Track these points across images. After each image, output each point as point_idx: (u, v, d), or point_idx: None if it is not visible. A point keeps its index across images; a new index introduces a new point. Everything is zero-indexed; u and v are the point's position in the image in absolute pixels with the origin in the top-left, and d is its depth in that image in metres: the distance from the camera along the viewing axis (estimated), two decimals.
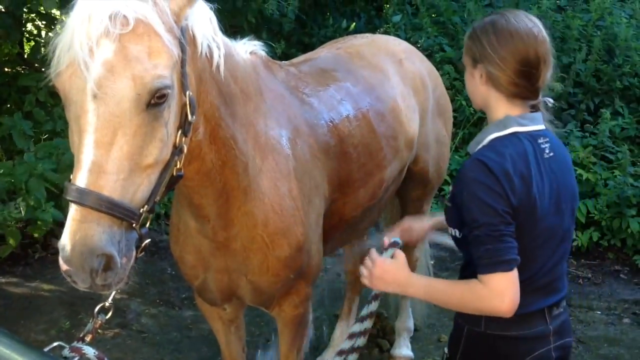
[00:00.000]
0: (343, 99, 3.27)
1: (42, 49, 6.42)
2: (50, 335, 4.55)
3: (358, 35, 4.20)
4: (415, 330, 4.70)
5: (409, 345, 4.52)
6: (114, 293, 2.06)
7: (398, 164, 3.53)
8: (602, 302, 5.56)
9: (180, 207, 2.79)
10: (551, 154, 2.25)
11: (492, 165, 2.11)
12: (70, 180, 1.91)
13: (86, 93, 1.86)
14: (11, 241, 5.18)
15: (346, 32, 8.02)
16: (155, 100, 1.92)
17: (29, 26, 7.62)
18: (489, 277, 2.09)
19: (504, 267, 2.08)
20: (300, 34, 8.21)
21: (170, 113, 2.01)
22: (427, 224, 2.92)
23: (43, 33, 7.15)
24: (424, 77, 3.89)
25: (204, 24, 2.28)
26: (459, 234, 2.26)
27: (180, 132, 2.07)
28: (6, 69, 7.69)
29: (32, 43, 7.46)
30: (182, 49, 2.08)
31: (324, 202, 3.06)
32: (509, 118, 2.23)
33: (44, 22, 7.05)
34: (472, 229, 2.12)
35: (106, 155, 1.85)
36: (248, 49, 2.81)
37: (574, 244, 5.93)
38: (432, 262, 4.81)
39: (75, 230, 1.81)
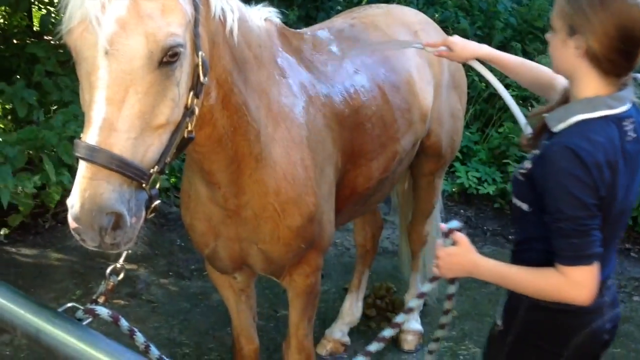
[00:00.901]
0: (358, 70, 3.23)
1: (52, 17, 6.44)
2: (60, 304, 4.47)
3: (373, 5, 4.14)
4: (425, 304, 4.70)
5: (419, 319, 4.53)
6: (124, 255, 2.05)
7: (412, 136, 3.50)
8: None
9: (192, 174, 2.78)
10: (634, 135, 2.14)
11: (584, 156, 1.99)
12: (80, 138, 1.89)
13: (97, 49, 1.84)
14: (22, 209, 5.19)
15: (359, 4, 7.94)
16: (167, 58, 1.89)
17: None
18: (571, 269, 2.05)
19: (587, 260, 2.04)
20: (311, 8, 8.13)
21: (182, 73, 1.99)
22: (473, 46, 2.92)
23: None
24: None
25: None
26: (528, 208, 2.20)
27: (192, 93, 2.05)
28: (15, 41, 7.69)
29: (43, 12, 7.42)
30: (196, 9, 2.05)
31: (337, 172, 3.04)
32: (599, 99, 2.09)
33: None
34: (556, 219, 2.05)
35: (117, 113, 1.83)
36: (263, 16, 2.77)
37: None
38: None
39: (85, 188, 1.79)
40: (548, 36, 2.23)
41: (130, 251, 2.03)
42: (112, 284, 2.03)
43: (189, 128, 2.08)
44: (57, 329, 1.56)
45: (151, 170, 1.92)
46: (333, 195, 3.03)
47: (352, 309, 4.42)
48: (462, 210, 6.62)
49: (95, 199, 1.78)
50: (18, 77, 6.10)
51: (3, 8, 7.70)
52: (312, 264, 3.03)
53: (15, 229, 5.34)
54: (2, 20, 8.38)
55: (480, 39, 7.66)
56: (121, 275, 2.05)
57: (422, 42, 3.15)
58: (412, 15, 3.99)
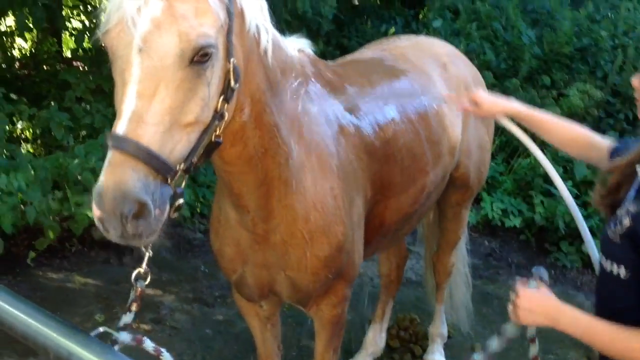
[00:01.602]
0: (388, 101, 3.25)
1: (84, 41, 6.54)
2: (85, 328, 4.55)
3: (402, 36, 4.18)
4: (449, 337, 4.67)
5: (442, 351, 4.50)
6: (146, 258, 2.06)
7: (441, 169, 3.50)
8: None
9: (222, 199, 2.80)
10: None
11: None
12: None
13: (132, 47, 1.89)
14: (50, 234, 5.25)
15: (384, 35, 8.00)
16: (198, 57, 1.93)
17: (72, 22, 7.75)
18: None
19: None
20: (339, 36, 8.22)
21: (213, 75, 2.02)
22: (502, 103, 2.83)
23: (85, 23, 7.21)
24: (468, 81, 3.86)
25: (252, 2, 2.30)
26: (626, 274, 2.01)
27: (222, 97, 2.08)
28: (45, 67, 7.84)
29: (72, 38, 7.56)
30: (230, 17, 2.10)
31: (366, 203, 3.04)
32: None
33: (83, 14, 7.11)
34: None
35: (147, 106, 1.86)
36: (296, 46, 2.81)
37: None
38: (468, 270, 4.77)
39: (110, 175, 1.81)
40: (635, 81, 2.16)
41: (151, 254, 2.05)
42: (139, 290, 2.04)
43: (218, 132, 2.11)
44: (89, 352, 1.58)
45: (177, 167, 1.94)
46: (362, 226, 3.03)
47: (375, 340, 4.39)
48: (486, 242, 6.59)
49: (119, 186, 1.79)
50: (51, 103, 6.18)
51: (34, 33, 7.88)
52: (339, 294, 3.03)
53: (42, 252, 5.39)
54: (32, 46, 8.58)
55: (506, 71, 7.68)
56: (147, 280, 2.06)
57: (450, 97, 3.13)
58: (441, 47, 4.01)
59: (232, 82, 2.10)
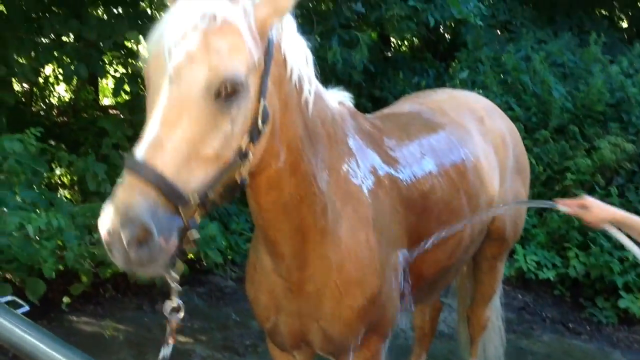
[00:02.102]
0: (426, 154, 3.27)
1: (122, 88, 6.69)
2: None
3: (438, 90, 4.23)
4: None
5: None
6: (175, 290, 2.02)
7: (478, 224, 3.50)
8: None
9: (258, 245, 2.82)
10: None
11: None
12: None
13: (164, 77, 1.94)
14: (84, 279, 5.30)
15: (416, 87, 8.08)
16: (225, 92, 1.96)
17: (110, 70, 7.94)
18: None
19: None
20: (370, 87, 8.30)
21: (239, 113, 2.03)
22: (610, 210, 2.90)
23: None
24: (505, 134, 3.88)
25: (297, 52, 2.34)
26: None
27: (247, 137, 2.09)
28: (83, 114, 8.02)
29: (110, 87, 7.73)
30: (267, 58, 2.14)
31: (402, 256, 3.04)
32: None
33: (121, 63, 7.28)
34: None
35: (167, 133, 1.89)
36: (337, 98, 2.86)
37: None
38: (502, 324, 4.71)
39: (119, 196, 1.82)
40: None
41: (179, 288, 2.03)
42: (174, 322, 2.02)
43: (243, 173, 2.12)
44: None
45: (191, 198, 1.93)
46: (398, 279, 3.02)
47: None
48: (519, 295, 6.51)
49: (126, 208, 1.80)
50: (89, 150, 6.30)
51: (74, 82, 8.07)
52: (372, 348, 2.99)
53: (76, 297, 5.44)
54: (71, 95, 8.79)
55: (536, 125, 7.67)
56: (181, 313, 2.03)
57: (560, 202, 3.14)
58: (476, 101, 4.05)
59: (260, 124, 2.12)
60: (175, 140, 1.89)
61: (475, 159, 3.52)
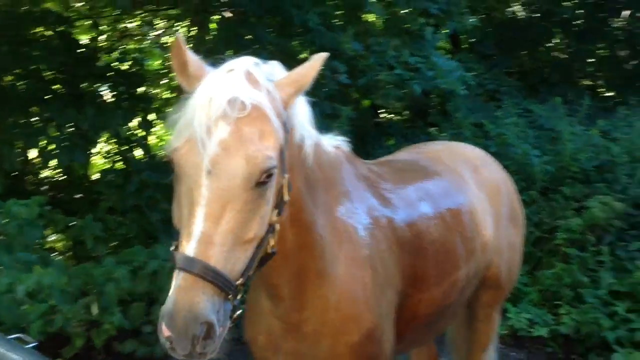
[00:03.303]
0: (422, 198, 3.37)
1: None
2: None
3: (435, 141, 4.39)
4: None
5: None
6: None
7: (473, 266, 3.57)
8: None
9: (257, 288, 2.88)
10: None
11: None
12: (176, 249, 2.05)
13: (202, 169, 2.02)
14: (77, 342, 5.27)
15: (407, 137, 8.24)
16: (263, 179, 2.07)
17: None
18: None
19: None
20: (362, 153, 8.44)
21: (272, 192, 2.16)
22: None
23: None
24: (499, 184, 4.01)
25: (303, 114, 2.46)
26: None
27: (276, 211, 2.21)
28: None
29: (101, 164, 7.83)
30: (286, 135, 2.25)
31: (397, 294, 3.09)
32: None
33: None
34: None
35: (215, 228, 1.99)
36: (333, 143, 2.98)
37: None
38: None
39: (182, 297, 1.92)
40: None
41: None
42: None
43: (272, 244, 2.23)
44: None
45: (237, 282, 2.05)
46: (392, 316, 3.07)
47: None
48: (513, 353, 6.49)
49: (192, 308, 1.90)
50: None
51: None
52: None
53: None
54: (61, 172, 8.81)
55: (523, 188, 7.79)
56: None
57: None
58: (472, 152, 4.21)
59: (286, 196, 2.25)
60: (222, 232, 2.00)
61: (470, 204, 3.63)
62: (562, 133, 8.04)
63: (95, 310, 5.15)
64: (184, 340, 1.91)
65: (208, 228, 1.98)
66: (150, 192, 6.52)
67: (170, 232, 6.12)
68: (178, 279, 1.96)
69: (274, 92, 2.22)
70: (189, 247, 1.97)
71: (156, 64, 9.85)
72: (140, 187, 6.52)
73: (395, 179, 3.37)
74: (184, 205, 2.09)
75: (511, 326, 6.57)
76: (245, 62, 2.25)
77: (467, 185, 3.73)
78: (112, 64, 7.84)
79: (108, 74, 7.19)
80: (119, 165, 7.11)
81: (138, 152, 7.38)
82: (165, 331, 1.94)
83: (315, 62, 2.34)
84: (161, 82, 9.68)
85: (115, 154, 7.21)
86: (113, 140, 7.28)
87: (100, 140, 7.39)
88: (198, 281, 1.93)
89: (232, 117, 2.07)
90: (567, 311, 6.47)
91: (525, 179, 7.63)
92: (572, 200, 7.38)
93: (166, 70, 9.63)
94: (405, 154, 3.96)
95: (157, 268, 5.61)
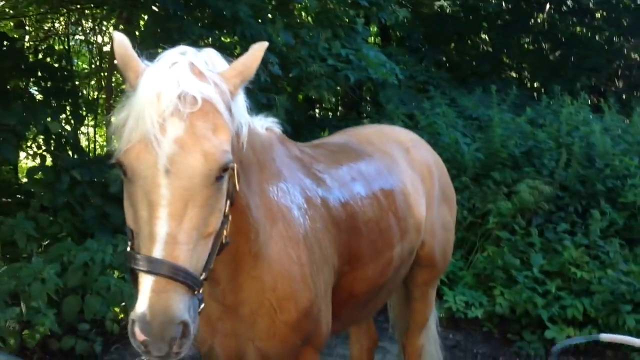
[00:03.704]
0: (355, 178, 3.42)
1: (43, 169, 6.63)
2: None
3: (366, 125, 4.45)
4: None
5: None
6: None
7: (407, 245, 3.64)
8: None
9: None
10: None
11: None
12: (132, 251, 2.05)
13: (158, 168, 1.99)
14: (11, 341, 5.16)
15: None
16: (221, 173, 2.08)
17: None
18: None
19: None
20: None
21: (227, 185, 2.17)
22: None
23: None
24: (430, 165, 4.10)
25: (240, 101, 2.46)
26: None
27: (228, 201, 2.22)
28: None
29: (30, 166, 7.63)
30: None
31: (334, 273, 3.13)
32: None
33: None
34: None
35: (178, 227, 1.97)
36: (264, 125, 2.99)
37: (573, 343, 5.95)
38: (441, 352, 4.81)
39: (156, 301, 1.90)
40: None
41: None
42: None
43: (225, 234, 2.24)
44: None
45: (201, 277, 2.05)
46: (330, 294, 3.11)
47: None
48: (451, 335, 6.64)
49: (167, 311, 1.89)
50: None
51: None
52: None
53: None
54: None
55: (455, 176, 7.97)
56: None
57: None
58: (404, 134, 4.29)
59: (237, 185, 2.26)
60: (186, 231, 1.99)
61: (402, 185, 3.70)
62: (493, 120, 8.26)
63: (23, 311, 5.05)
64: (161, 343, 1.90)
65: (172, 228, 1.96)
66: (81, 190, 6.39)
67: (104, 229, 6.02)
68: (148, 282, 1.93)
69: (221, 84, 2.21)
70: (155, 249, 1.95)
71: (84, 64, 9.68)
72: (71, 185, 6.39)
73: (328, 160, 3.40)
74: (139, 206, 2.04)
75: (448, 309, 6.71)
76: (185, 53, 2.22)
77: (399, 166, 3.80)
78: (39, 58, 7.66)
79: (35, 70, 7.00)
80: (48, 162, 6.92)
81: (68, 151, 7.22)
82: (139, 336, 1.91)
83: (257, 52, 2.35)
84: (91, 83, 9.52)
85: (45, 151, 7.01)
86: (41, 138, 7.08)
87: (28, 137, 7.18)
88: (169, 282, 1.92)
89: (185, 112, 2.04)
90: (501, 292, 6.65)
91: (457, 167, 7.80)
92: (503, 185, 7.58)
93: (94, 70, 9.48)
94: (337, 137, 4.00)
95: (87, 261, 5.51)
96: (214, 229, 2.11)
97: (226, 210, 2.19)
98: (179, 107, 2.04)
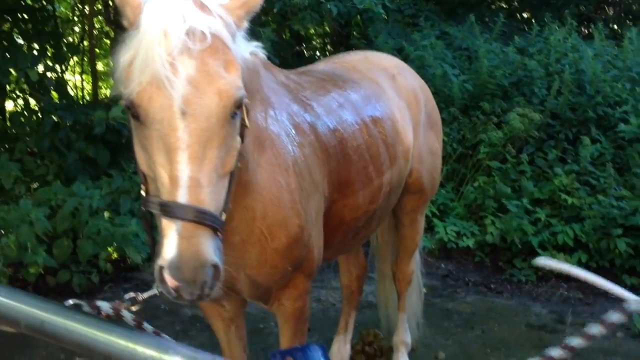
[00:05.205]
0: (342, 105, 3.37)
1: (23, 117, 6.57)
2: None
3: (352, 52, 4.38)
4: (412, 349, 4.70)
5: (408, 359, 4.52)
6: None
7: (396, 172, 3.62)
8: (595, 319, 5.57)
9: None
10: None
11: None
12: (149, 196, 2.02)
13: (174, 111, 1.91)
14: (2, 279, 5.17)
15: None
16: (235, 110, 2.02)
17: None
18: None
19: None
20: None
21: (239, 121, 2.12)
22: None
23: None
24: (417, 91, 4.05)
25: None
26: None
27: (239, 139, 2.16)
28: None
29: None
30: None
31: (324, 200, 3.11)
32: None
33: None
34: None
35: (200, 170, 1.91)
36: (249, 49, 2.90)
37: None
38: (424, 290, 4.86)
39: (186, 246, 1.84)
40: None
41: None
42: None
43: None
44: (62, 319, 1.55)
45: (222, 217, 2.01)
46: (320, 221, 3.09)
47: (340, 352, 4.41)
48: (442, 265, 6.70)
49: (198, 256, 1.84)
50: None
51: None
52: (299, 287, 3.05)
53: None
54: None
55: (443, 106, 7.91)
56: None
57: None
58: (389, 60, 4.21)
59: (246, 121, 2.19)
60: (207, 173, 1.93)
61: (390, 111, 3.65)
62: (479, 51, 8.17)
63: (13, 251, 5.05)
64: (194, 287, 1.86)
65: (194, 172, 1.90)
66: (65, 132, 6.34)
67: (86, 173, 5.98)
68: (175, 228, 1.87)
69: (227, 17, 2.11)
70: (179, 194, 1.88)
71: (67, 10, 9.48)
72: (55, 128, 6.33)
73: (315, 87, 3.34)
74: (155, 151, 1.97)
75: (439, 239, 6.75)
76: None
77: (386, 93, 3.75)
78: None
79: (15, 11, 6.87)
80: (33, 105, 6.85)
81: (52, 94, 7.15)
82: (171, 282, 1.85)
83: None
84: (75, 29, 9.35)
85: (29, 94, 6.92)
86: (24, 83, 6.98)
87: (12, 81, 7.07)
88: (197, 227, 1.86)
89: (195, 50, 1.95)
90: (492, 221, 6.68)
91: (445, 99, 7.75)
92: (493, 115, 7.54)
93: (78, 15, 9.30)
94: (323, 65, 3.92)
95: (76, 205, 5.50)
96: (230, 167, 2.06)
97: (239, 147, 2.14)
98: (188, 45, 1.94)
